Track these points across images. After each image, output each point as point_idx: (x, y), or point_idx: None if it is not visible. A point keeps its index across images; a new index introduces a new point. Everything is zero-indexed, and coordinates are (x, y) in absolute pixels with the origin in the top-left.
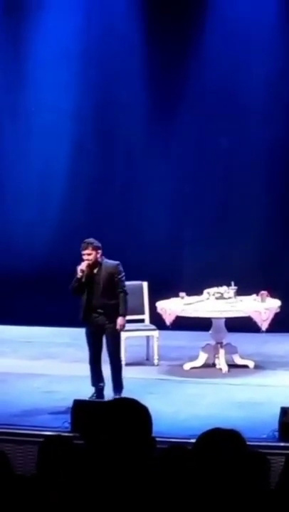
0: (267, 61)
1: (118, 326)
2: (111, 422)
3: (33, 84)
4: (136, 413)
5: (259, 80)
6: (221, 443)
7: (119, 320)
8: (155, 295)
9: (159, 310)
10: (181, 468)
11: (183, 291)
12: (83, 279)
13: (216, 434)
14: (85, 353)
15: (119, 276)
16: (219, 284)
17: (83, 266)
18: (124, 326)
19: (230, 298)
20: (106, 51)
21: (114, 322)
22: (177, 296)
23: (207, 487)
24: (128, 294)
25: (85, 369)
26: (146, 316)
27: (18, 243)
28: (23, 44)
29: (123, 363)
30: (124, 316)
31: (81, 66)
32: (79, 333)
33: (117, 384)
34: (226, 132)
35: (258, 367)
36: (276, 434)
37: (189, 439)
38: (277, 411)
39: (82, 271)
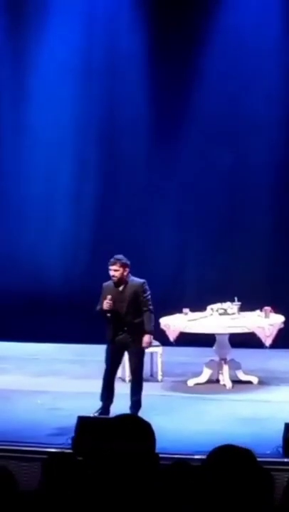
0: (269, 79)
1: (144, 344)
2: (115, 439)
3: (37, 101)
4: (139, 429)
5: (261, 98)
6: (235, 460)
7: (146, 338)
8: (159, 311)
9: (162, 326)
10: (185, 484)
11: (186, 307)
12: (108, 314)
13: (230, 450)
14: (89, 369)
15: (145, 295)
16: (223, 300)
17: (106, 305)
18: (150, 343)
19: (233, 314)
20: (109, 68)
21: (138, 340)
22: (181, 312)
23: (215, 502)
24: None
25: (90, 385)
26: None
27: (22, 261)
28: (27, 60)
29: (126, 379)
30: (151, 333)
31: (84, 83)
32: (83, 350)
33: (136, 402)
34: (229, 150)
35: (261, 383)
36: (280, 450)
37: (193, 455)
38: (281, 427)
39: (108, 307)
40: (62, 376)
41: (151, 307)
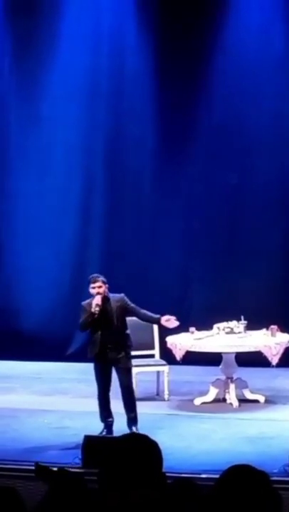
0: (275, 96)
1: (171, 321)
2: (122, 458)
3: (45, 121)
4: (146, 448)
5: (268, 115)
6: (249, 480)
7: (166, 317)
8: (165, 330)
9: (169, 345)
10: (190, 502)
11: (193, 326)
12: (96, 315)
13: (245, 470)
14: (95, 388)
15: (131, 305)
16: (229, 319)
17: (98, 300)
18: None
19: (240, 333)
20: (116, 89)
21: (124, 356)
22: (187, 331)
23: None
24: None
25: (96, 404)
26: (156, 351)
27: (29, 279)
28: (35, 83)
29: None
30: (161, 317)
31: (91, 103)
32: (89, 369)
33: (132, 419)
34: (235, 168)
35: (268, 401)
36: (287, 469)
37: (200, 474)
38: (288, 445)
39: (99, 305)
40: (69, 395)
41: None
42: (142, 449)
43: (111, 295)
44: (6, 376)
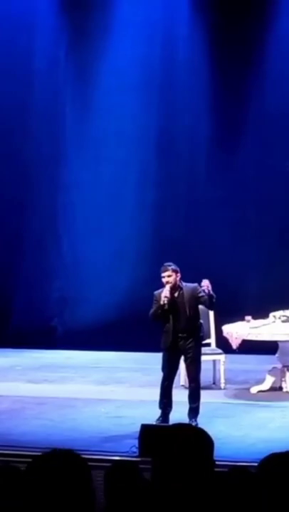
0: None
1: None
2: (175, 446)
3: (99, 112)
4: (199, 437)
5: None
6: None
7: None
8: (221, 319)
9: (225, 334)
10: (242, 492)
11: (249, 314)
12: (166, 306)
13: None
14: (152, 377)
15: (202, 294)
16: (285, 307)
17: (167, 293)
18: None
19: None
20: (169, 78)
21: (196, 346)
22: (243, 319)
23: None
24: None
25: (153, 394)
26: (212, 340)
27: (87, 269)
28: (90, 73)
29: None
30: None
31: (145, 93)
32: (145, 358)
33: (196, 409)
34: None
35: None
36: None
37: (257, 463)
38: None
39: (168, 297)
40: (125, 384)
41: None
42: (195, 438)
43: (184, 284)
44: (63, 366)
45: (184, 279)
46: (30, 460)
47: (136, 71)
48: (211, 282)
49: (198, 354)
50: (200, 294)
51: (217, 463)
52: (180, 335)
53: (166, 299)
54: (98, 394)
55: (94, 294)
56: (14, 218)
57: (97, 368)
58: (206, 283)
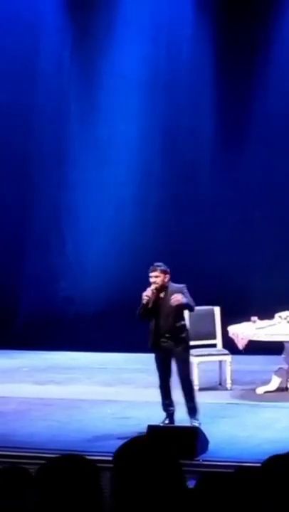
0: None
1: (176, 298)
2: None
3: (104, 113)
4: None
5: None
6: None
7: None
8: (227, 320)
9: (231, 334)
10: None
11: (254, 315)
12: (149, 305)
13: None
14: (157, 378)
15: (187, 297)
16: None
17: (148, 292)
18: (179, 300)
19: None
20: (174, 78)
21: (182, 346)
22: (249, 320)
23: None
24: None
25: (158, 395)
26: (218, 341)
27: (90, 269)
28: (94, 73)
29: (196, 387)
30: (184, 303)
31: (150, 93)
32: (150, 359)
33: (192, 408)
34: None
35: None
36: None
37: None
38: None
39: (148, 297)
40: (132, 385)
41: (193, 304)
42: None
43: (171, 284)
44: (69, 367)
45: (186, 279)
46: (36, 461)
47: (140, 71)
48: (216, 282)
49: (186, 354)
50: (186, 295)
51: (222, 463)
52: (165, 335)
53: (146, 298)
54: (104, 395)
55: (99, 294)
56: (18, 219)
57: (103, 369)
58: (174, 299)
